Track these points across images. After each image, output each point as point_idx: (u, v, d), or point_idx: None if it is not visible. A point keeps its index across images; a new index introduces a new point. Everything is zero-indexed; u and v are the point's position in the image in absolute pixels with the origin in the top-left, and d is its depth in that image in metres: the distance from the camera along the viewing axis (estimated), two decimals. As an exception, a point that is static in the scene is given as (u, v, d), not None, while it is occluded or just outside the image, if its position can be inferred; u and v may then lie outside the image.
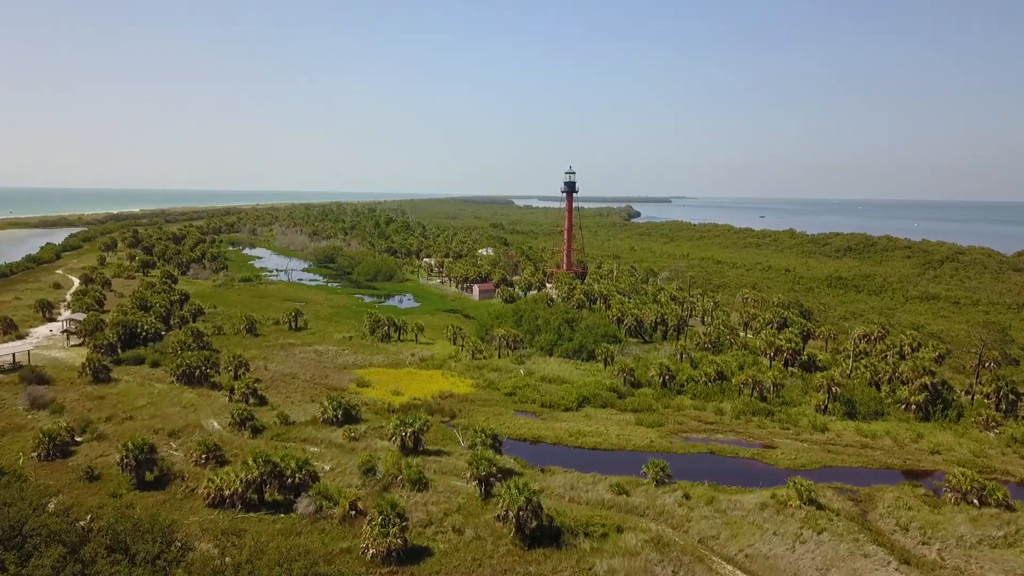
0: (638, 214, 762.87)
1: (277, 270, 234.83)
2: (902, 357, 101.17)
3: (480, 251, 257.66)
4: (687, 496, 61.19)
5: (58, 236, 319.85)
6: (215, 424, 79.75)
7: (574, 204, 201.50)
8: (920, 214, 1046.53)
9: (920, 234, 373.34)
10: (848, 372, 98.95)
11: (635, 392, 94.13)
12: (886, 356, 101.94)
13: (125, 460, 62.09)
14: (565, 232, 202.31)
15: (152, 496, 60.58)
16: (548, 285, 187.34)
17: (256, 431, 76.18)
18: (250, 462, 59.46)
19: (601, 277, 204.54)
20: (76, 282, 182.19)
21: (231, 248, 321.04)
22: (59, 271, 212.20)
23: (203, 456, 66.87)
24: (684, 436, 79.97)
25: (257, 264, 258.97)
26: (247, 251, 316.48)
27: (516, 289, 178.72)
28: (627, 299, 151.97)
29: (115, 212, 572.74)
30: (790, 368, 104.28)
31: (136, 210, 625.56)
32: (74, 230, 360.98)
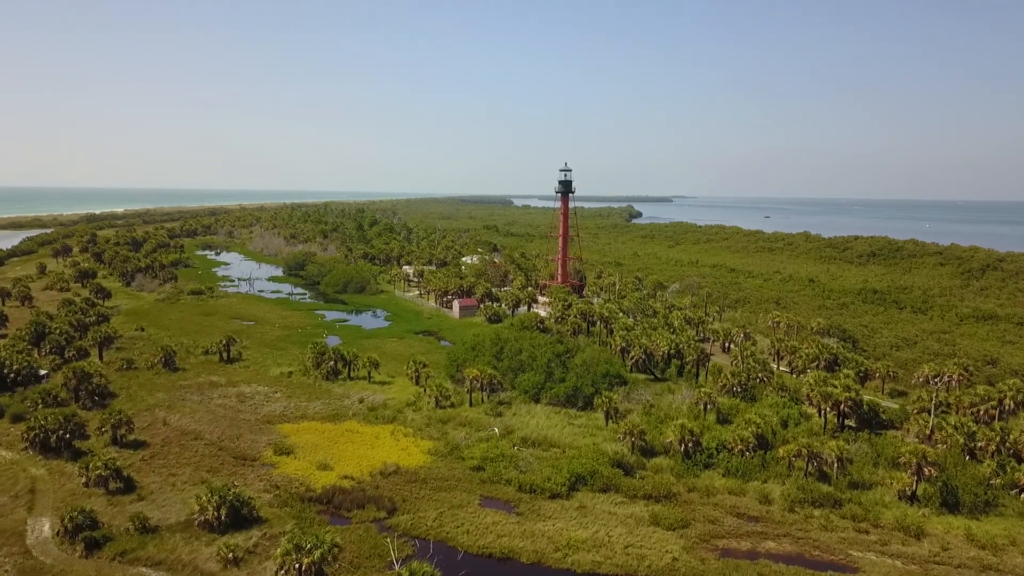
0: (639, 214, 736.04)
1: (240, 279, 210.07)
2: (1001, 415, 76.60)
3: (464, 259, 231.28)
4: None
5: (22, 238, 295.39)
6: (46, 528, 55.49)
7: (571, 204, 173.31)
8: (920, 214, 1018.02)
9: (935, 236, 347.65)
10: (928, 432, 74.52)
11: (647, 464, 69.88)
12: (979, 411, 77.27)
13: None
14: (560, 239, 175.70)
15: None
16: (541, 299, 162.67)
17: (93, 546, 51.86)
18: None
19: (601, 289, 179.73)
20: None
21: (202, 253, 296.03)
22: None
23: (-21, 608, 42.75)
24: (720, 546, 55.58)
25: (222, 271, 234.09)
26: (220, 255, 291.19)
27: (503, 305, 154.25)
28: (633, 321, 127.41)
29: (97, 212, 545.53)
30: (846, 423, 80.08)
31: (119, 210, 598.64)
32: (47, 232, 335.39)
